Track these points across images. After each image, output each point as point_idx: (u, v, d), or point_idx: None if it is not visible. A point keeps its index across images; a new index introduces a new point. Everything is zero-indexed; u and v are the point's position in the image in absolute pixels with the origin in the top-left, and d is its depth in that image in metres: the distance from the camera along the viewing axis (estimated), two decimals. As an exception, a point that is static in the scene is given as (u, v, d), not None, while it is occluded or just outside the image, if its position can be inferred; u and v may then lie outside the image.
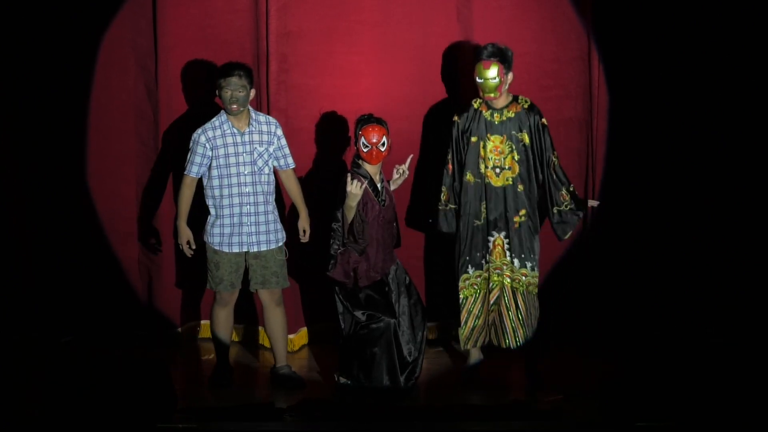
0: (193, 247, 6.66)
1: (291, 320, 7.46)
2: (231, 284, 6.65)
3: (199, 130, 6.59)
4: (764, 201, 7.33)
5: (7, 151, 7.40)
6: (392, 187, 6.74)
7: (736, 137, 7.37)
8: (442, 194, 6.74)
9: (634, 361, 6.77)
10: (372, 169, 6.55)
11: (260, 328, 7.55)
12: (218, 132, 6.56)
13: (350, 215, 6.43)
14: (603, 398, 5.88)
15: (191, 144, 6.60)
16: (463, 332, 6.71)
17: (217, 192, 6.58)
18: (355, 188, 6.34)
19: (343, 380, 6.60)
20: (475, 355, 6.82)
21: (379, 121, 6.54)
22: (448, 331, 7.52)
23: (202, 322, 7.70)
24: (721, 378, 5.78)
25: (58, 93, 7.43)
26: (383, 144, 6.50)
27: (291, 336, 7.49)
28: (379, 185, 6.58)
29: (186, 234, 6.65)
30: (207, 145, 6.54)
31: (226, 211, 6.57)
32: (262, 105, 7.32)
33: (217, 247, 6.61)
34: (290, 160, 6.76)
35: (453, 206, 6.72)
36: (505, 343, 6.64)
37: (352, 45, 7.39)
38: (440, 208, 6.76)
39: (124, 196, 7.57)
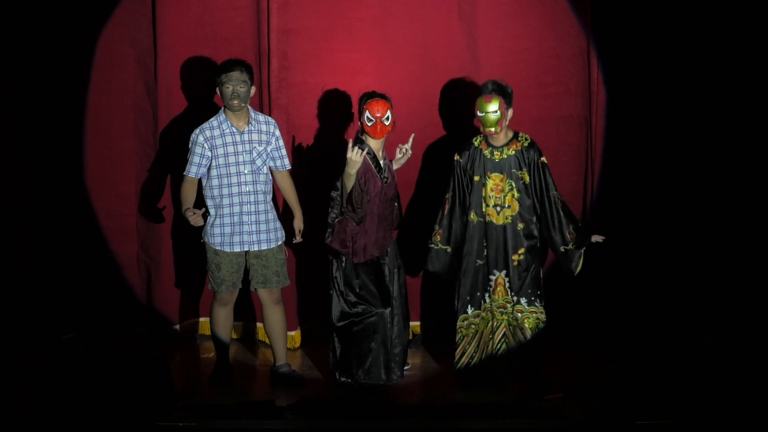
0: (196, 211, 6.49)
1: (290, 318, 7.47)
2: (232, 284, 6.64)
3: (197, 130, 6.56)
4: (761, 197, 7.32)
5: (4, 151, 7.38)
6: (395, 167, 6.73)
7: (734, 134, 7.37)
8: (435, 233, 6.72)
9: (633, 360, 6.80)
10: (375, 144, 6.54)
11: (258, 325, 7.56)
12: (217, 131, 6.54)
13: (349, 183, 6.40)
14: (603, 397, 5.87)
15: (190, 144, 6.57)
16: (458, 367, 6.68)
17: (216, 192, 6.56)
18: (355, 155, 6.30)
19: (343, 379, 6.60)
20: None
21: (383, 96, 6.53)
22: (444, 329, 7.52)
23: (201, 319, 7.70)
24: (720, 377, 5.78)
25: (55, 90, 7.42)
26: (387, 118, 6.49)
27: (291, 333, 7.50)
28: (381, 162, 6.57)
29: (188, 208, 6.51)
30: (206, 144, 6.52)
31: (227, 211, 6.56)
32: (263, 102, 7.31)
33: (218, 248, 6.59)
34: (287, 161, 6.74)
35: (444, 246, 6.70)
36: (501, 370, 6.66)
37: (352, 42, 7.38)
38: (431, 246, 6.74)
39: (123, 194, 7.57)
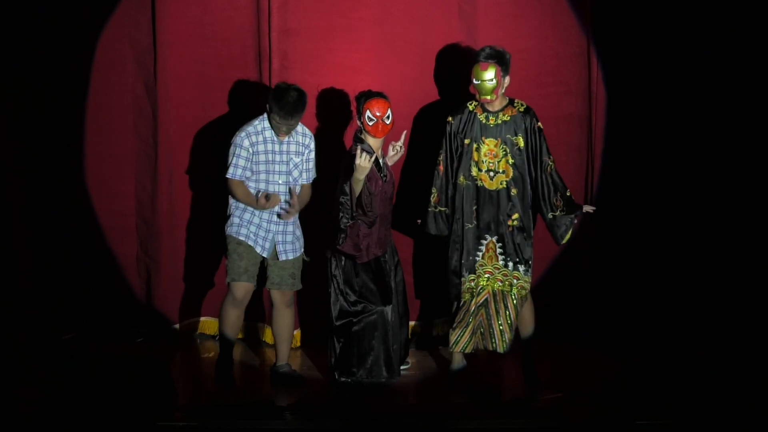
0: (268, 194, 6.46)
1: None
2: (252, 276, 6.58)
3: (243, 134, 6.46)
4: (761, 197, 7.33)
5: (4, 151, 7.38)
6: (389, 164, 6.73)
7: (733, 134, 7.37)
8: (432, 196, 6.68)
9: (633, 360, 6.81)
10: (375, 143, 6.54)
11: (260, 325, 7.55)
12: (260, 137, 6.47)
13: (358, 188, 6.39)
14: (602, 397, 5.88)
15: (234, 147, 6.45)
16: (454, 333, 6.63)
17: (243, 204, 6.53)
18: (364, 161, 6.30)
19: (343, 379, 6.61)
20: (458, 361, 6.73)
21: (383, 95, 6.53)
22: (439, 329, 7.53)
23: (201, 319, 7.70)
24: (720, 377, 5.78)
25: (55, 90, 7.41)
26: (388, 117, 6.49)
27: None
28: (381, 160, 6.57)
29: (261, 197, 6.44)
30: (251, 149, 6.44)
31: (255, 215, 6.53)
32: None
33: (243, 239, 6.52)
34: (312, 174, 6.66)
35: (443, 209, 6.68)
36: (492, 346, 6.60)
37: (352, 42, 7.38)
38: (429, 209, 6.70)
39: (122, 193, 7.56)
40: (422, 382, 6.82)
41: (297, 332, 7.53)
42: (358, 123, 6.55)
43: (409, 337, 7.14)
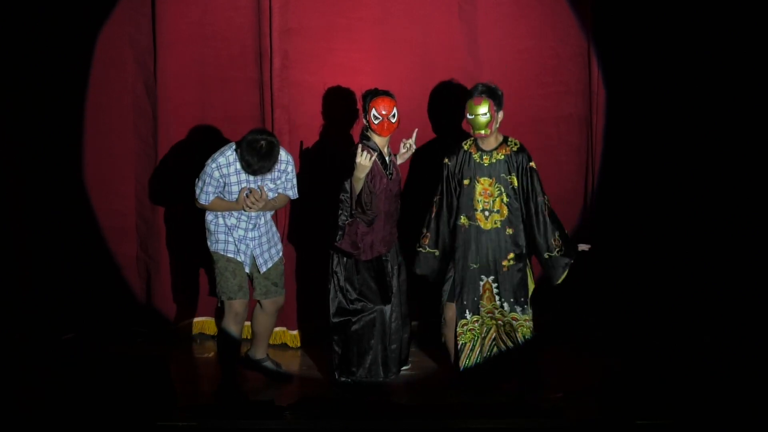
0: (251, 189, 6.44)
1: (290, 318, 7.48)
2: (246, 291, 6.56)
3: (213, 165, 6.39)
4: (761, 197, 7.32)
5: (4, 151, 7.38)
6: (399, 161, 6.73)
7: (733, 134, 7.37)
8: (423, 236, 6.67)
9: (633, 360, 6.79)
10: (381, 141, 6.54)
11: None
12: (232, 168, 6.39)
13: (358, 186, 6.40)
14: (603, 396, 5.88)
15: (204, 175, 6.41)
16: (462, 369, 6.61)
17: (221, 220, 6.51)
18: (364, 160, 6.31)
19: (343, 379, 6.61)
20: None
21: (389, 94, 6.53)
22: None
23: (201, 319, 7.70)
24: (720, 377, 5.78)
25: (54, 90, 7.41)
26: (394, 115, 6.49)
27: (291, 333, 7.52)
28: (387, 158, 6.57)
29: (241, 197, 6.42)
30: (220, 180, 6.39)
31: (233, 229, 6.51)
32: (265, 102, 7.31)
33: (231, 255, 6.51)
34: (294, 192, 6.61)
35: (432, 250, 6.66)
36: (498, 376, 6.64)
37: (352, 42, 7.38)
38: (419, 250, 6.69)
39: (122, 193, 7.57)
40: (422, 382, 6.83)
41: (296, 332, 7.54)
42: (364, 121, 6.55)
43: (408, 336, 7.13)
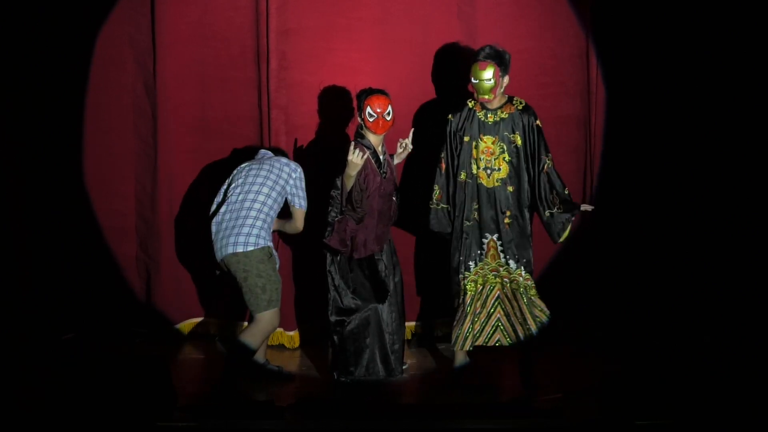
0: None
1: (289, 318, 7.48)
2: None
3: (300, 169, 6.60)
4: (761, 197, 7.33)
5: (4, 151, 7.38)
6: (396, 161, 6.74)
7: (733, 134, 7.38)
8: (435, 193, 6.67)
9: (633, 360, 6.79)
10: (375, 140, 6.55)
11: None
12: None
13: (349, 184, 6.41)
14: (602, 397, 5.88)
15: (301, 180, 6.57)
16: (460, 331, 6.60)
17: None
18: (356, 158, 6.32)
19: (342, 379, 6.61)
20: (461, 358, 6.73)
21: (383, 92, 6.54)
22: (439, 329, 7.53)
23: (201, 319, 7.70)
24: (720, 377, 5.78)
25: (54, 90, 7.42)
26: (389, 113, 6.49)
27: (289, 333, 7.52)
28: (381, 157, 6.58)
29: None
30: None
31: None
32: (262, 103, 7.32)
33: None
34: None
35: (445, 206, 6.67)
36: (515, 340, 6.59)
37: (351, 42, 7.38)
38: (432, 206, 6.69)
39: (122, 193, 7.57)
40: (422, 382, 6.83)
41: (295, 333, 7.54)
42: (359, 120, 6.55)
43: (408, 338, 7.14)
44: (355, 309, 6.59)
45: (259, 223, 6.35)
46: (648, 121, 7.49)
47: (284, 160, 6.59)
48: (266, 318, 6.34)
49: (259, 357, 6.83)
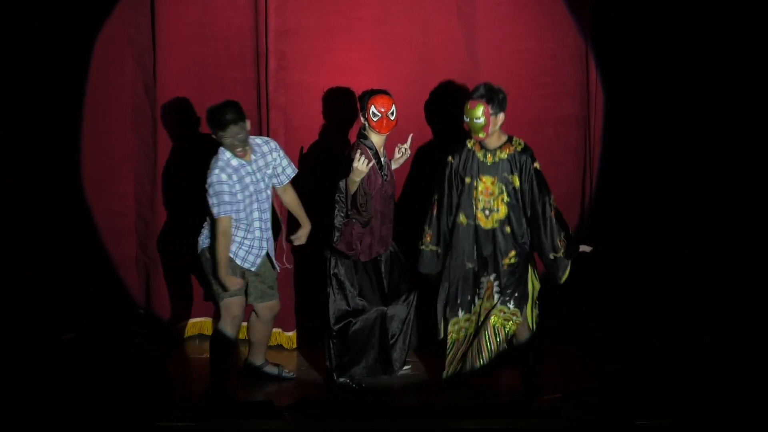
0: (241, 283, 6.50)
1: (288, 319, 7.48)
2: (243, 290, 6.55)
3: (217, 171, 6.34)
4: (760, 198, 7.33)
5: (3, 151, 7.37)
6: (393, 166, 6.73)
7: (732, 135, 7.38)
8: (425, 234, 6.62)
9: (633, 360, 6.80)
10: (378, 140, 6.55)
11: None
12: (234, 171, 6.38)
13: (353, 188, 6.41)
14: (602, 397, 5.88)
15: (211, 189, 6.33)
16: (446, 374, 6.59)
17: (243, 223, 6.47)
18: (361, 165, 6.30)
19: (342, 379, 6.61)
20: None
21: (387, 92, 6.54)
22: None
23: (201, 319, 7.70)
24: (720, 377, 5.78)
25: (53, 90, 7.41)
26: (393, 113, 6.49)
27: (288, 334, 7.52)
28: (382, 159, 6.57)
29: (235, 281, 6.43)
30: (230, 181, 6.35)
31: (251, 236, 6.49)
32: (261, 103, 7.31)
33: (231, 255, 6.47)
34: (290, 170, 6.59)
35: (434, 248, 6.61)
36: (478, 363, 6.58)
37: (351, 42, 7.38)
38: (422, 248, 6.64)
39: (122, 193, 7.57)
40: (422, 382, 6.83)
41: (293, 334, 7.54)
42: (362, 120, 6.55)
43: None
44: (362, 310, 6.60)
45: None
46: (647, 122, 7.48)
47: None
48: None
49: (258, 358, 6.83)
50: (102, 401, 5.65)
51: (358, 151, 6.36)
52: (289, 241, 6.70)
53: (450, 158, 6.55)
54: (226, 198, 6.32)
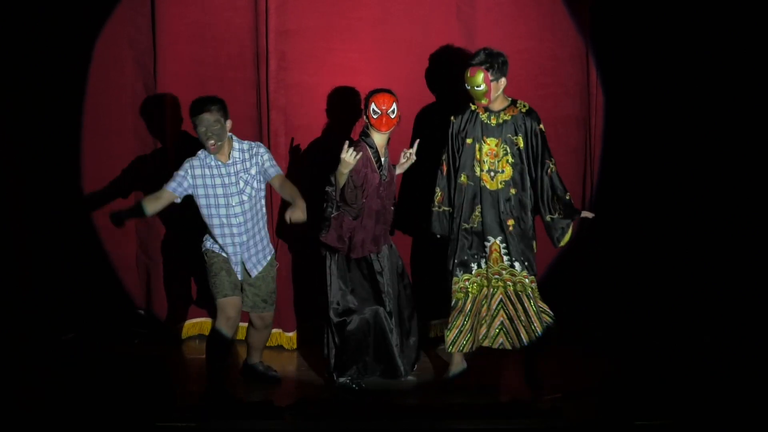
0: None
1: (287, 319, 7.48)
2: (239, 291, 6.54)
3: (190, 160, 6.45)
4: (760, 198, 7.33)
5: (3, 151, 7.37)
6: (398, 171, 6.72)
7: (732, 135, 7.38)
8: (436, 195, 6.67)
9: (633, 360, 6.80)
10: (379, 139, 6.55)
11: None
12: (205, 168, 6.42)
13: (342, 180, 6.41)
14: (602, 397, 5.88)
15: (178, 170, 6.46)
16: (449, 334, 6.62)
17: (208, 221, 6.48)
18: (349, 156, 6.30)
19: (342, 380, 6.61)
20: (458, 362, 6.75)
21: (389, 91, 6.54)
22: (436, 330, 7.53)
23: (201, 319, 7.70)
24: (720, 377, 5.79)
25: (53, 90, 7.41)
26: (393, 111, 6.48)
27: (288, 334, 7.51)
28: (383, 158, 6.57)
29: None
30: (189, 172, 6.41)
31: (219, 240, 6.50)
32: (261, 104, 7.32)
33: (218, 251, 6.52)
34: (277, 168, 6.52)
35: (447, 208, 6.66)
36: (519, 344, 6.61)
37: (351, 42, 7.38)
38: (434, 209, 6.69)
39: (122, 193, 7.56)
40: (422, 382, 6.83)
41: (293, 334, 7.55)
42: (365, 119, 6.55)
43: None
44: (354, 309, 6.60)
45: None
46: (647, 122, 7.48)
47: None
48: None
49: (254, 358, 6.83)
50: (102, 401, 5.65)
51: (347, 142, 6.36)
52: (289, 222, 6.59)
53: (452, 118, 6.59)
54: (177, 180, 6.41)
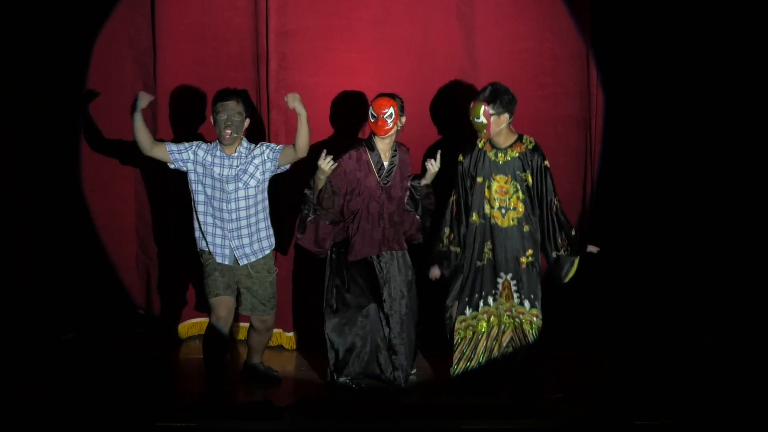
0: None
1: (286, 320, 7.48)
2: (234, 290, 6.54)
3: (197, 142, 6.50)
4: (760, 198, 7.33)
5: (3, 152, 7.37)
6: (423, 182, 6.66)
7: (732, 135, 7.39)
8: (445, 234, 6.66)
9: (633, 360, 6.81)
10: (382, 144, 6.55)
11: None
12: (208, 154, 6.43)
13: (319, 185, 6.43)
14: (602, 397, 5.88)
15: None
16: (455, 371, 6.61)
17: (201, 208, 6.47)
18: (324, 164, 6.34)
19: (342, 379, 6.60)
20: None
21: (390, 95, 6.53)
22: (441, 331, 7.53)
23: (201, 319, 7.70)
24: (720, 377, 5.79)
25: (53, 90, 7.41)
26: (390, 116, 6.47)
27: (287, 334, 7.51)
28: (386, 162, 6.56)
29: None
30: (191, 148, 6.43)
31: (209, 229, 6.49)
32: (261, 104, 7.32)
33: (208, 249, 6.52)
34: (278, 146, 6.50)
35: (456, 249, 6.64)
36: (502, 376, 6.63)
37: (351, 42, 7.38)
38: (443, 250, 6.67)
39: (122, 194, 7.57)
40: (422, 382, 6.83)
41: (292, 335, 7.55)
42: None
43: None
44: (351, 309, 6.59)
45: None
46: (648, 122, 7.49)
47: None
48: None
49: (254, 359, 6.83)
50: (102, 401, 5.65)
51: (324, 150, 6.38)
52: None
53: (461, 157, 6.59)
54: (180, 146, 6.45)
